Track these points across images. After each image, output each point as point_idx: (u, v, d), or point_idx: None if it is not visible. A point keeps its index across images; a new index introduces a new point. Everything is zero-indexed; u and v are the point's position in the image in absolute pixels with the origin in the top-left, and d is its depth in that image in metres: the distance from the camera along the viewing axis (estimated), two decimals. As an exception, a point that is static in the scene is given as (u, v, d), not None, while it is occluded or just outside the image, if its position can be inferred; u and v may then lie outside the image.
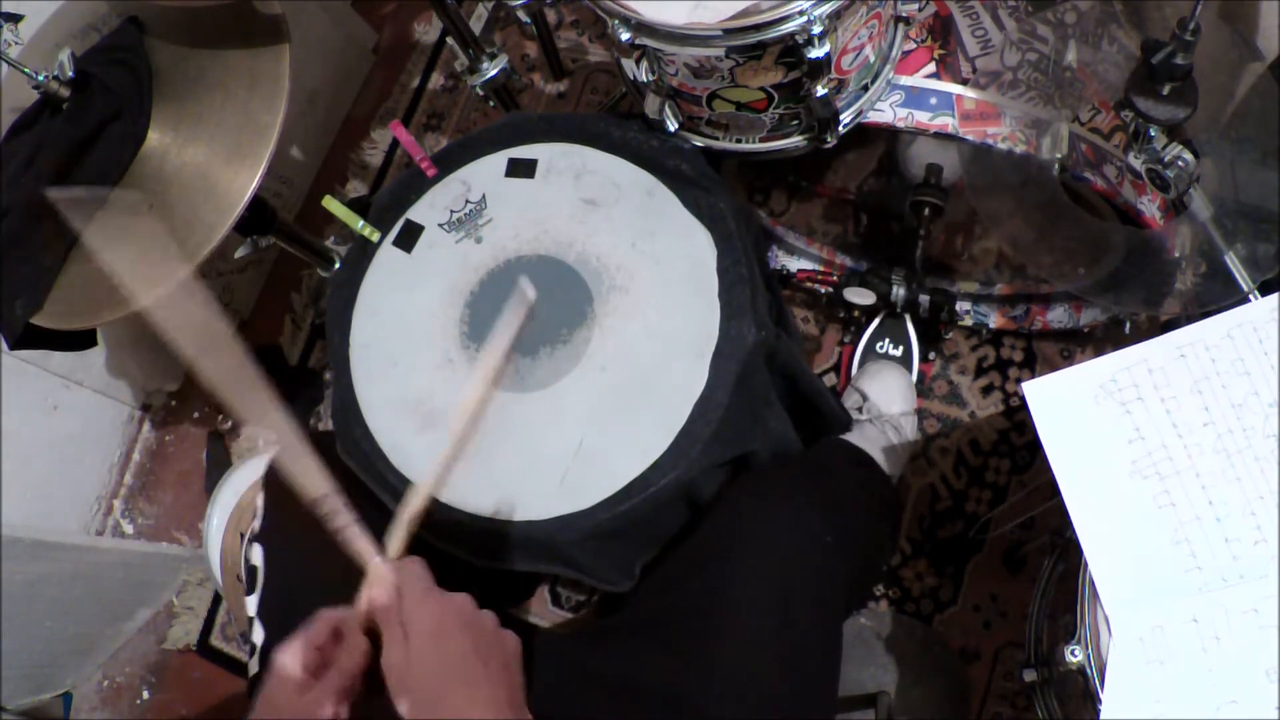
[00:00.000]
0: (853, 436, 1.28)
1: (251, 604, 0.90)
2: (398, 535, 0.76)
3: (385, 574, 0.66)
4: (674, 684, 0.80)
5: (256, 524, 0.93)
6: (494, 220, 1.04)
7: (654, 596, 0.91)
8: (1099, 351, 1.26)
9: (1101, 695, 0.76)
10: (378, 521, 0.95)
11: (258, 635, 0.88)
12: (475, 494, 0.92)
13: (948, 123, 1.00)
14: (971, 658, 1.31)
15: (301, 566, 0.89)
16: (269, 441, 0.68)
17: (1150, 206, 1.00)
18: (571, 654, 0.92)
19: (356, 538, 0.68)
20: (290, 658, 0.62)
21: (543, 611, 1.45)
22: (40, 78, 1.03)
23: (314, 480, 0.68)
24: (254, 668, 0.88)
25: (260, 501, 0.94)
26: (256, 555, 0.91)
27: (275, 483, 0.95)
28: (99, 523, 1.69)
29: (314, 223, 1.68)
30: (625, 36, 0.88)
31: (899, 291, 1.32)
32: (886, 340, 1.41)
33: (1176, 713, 0.74)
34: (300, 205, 1.78)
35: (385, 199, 1.08)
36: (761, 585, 0.82)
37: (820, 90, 0.91)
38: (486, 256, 1.02)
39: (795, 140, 1.02)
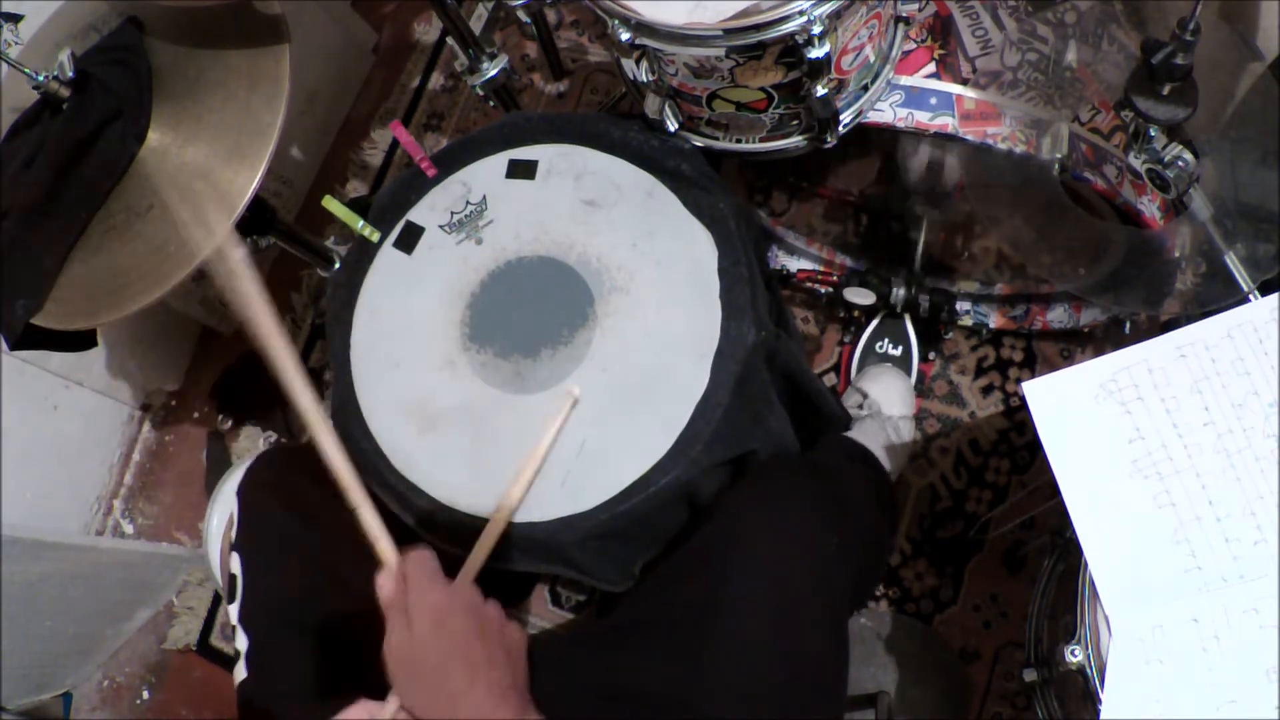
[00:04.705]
0: (853, 433, 1.28)
1: (233, 612, 0.90)
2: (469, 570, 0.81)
3: (392, 563, 0.68)
4: (674, 685, 0.79)
5: (233, 532, 0.93)
6: (494, 221, 1.04)
7: (654, 597, 0.91)
8: (1099, 351, 1.26)
9: (1101, 695, 0.76)
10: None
11: (241, 642, 0.88)
12: (476, 494, 0.92)
13: (948, 123, 1.00)
14: (971, 658, 1.31)
15: (278, 573, 0.90)
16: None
17: (1150, 206, 1.00)
18: (571, 657, 0.91)
19: (371, 523, 0.70)
20: None
21: (543, 611, 1.45)
22: (40, 78, 1.03)
23: (336, 459, 0.70)
24: (240, 674, 0.88)
25: (235, 509, 0.94)
26: (235, 563, 0.92)
27: (248, 490, 0.95)
28: (99, 523, 1.69)
29: (314, 223, 1.68)
30: (625, 36, 0.88)
31: (899, 291, 1.32)
32: (886, 340, 1.41)
33: (1176, 713, 0.74)
34: (300, 205, 1.77)
35: (385, 199, 1.08)
36: (763, 587, 0.82)
37: (820, 90, 0.91)
38: (487, 258, 1.02)
39: (795, 140, 1.02)
